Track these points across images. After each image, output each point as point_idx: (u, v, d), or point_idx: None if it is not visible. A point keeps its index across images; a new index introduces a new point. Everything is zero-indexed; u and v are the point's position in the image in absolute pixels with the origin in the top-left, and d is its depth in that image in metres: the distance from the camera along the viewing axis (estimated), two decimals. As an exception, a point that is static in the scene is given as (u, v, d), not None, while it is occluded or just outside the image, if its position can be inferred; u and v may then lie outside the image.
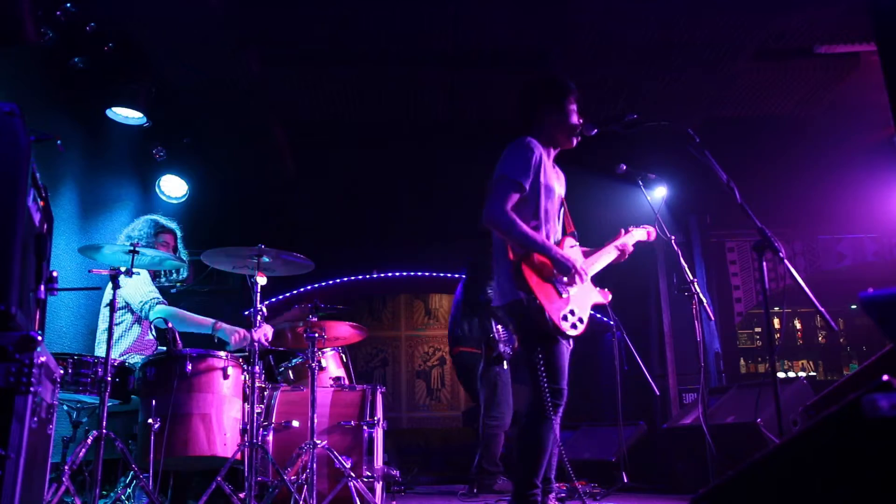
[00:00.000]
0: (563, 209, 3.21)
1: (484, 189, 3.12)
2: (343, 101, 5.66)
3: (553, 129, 3.14)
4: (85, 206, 4.70)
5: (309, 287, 7.70)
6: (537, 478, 2.88)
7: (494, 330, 5.07)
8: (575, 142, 3.19)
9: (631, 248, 3.33)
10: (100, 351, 3.78)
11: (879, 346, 2.79)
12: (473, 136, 6.09)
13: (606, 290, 3.19)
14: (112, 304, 3.09)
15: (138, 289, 3.86)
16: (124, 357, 3.77)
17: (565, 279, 2.96)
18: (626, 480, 4.73)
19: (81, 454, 2.86)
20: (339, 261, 7.63)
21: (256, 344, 3.35)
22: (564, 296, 2.93)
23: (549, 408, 2.86)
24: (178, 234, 4.24)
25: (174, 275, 4.35)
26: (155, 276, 4.20)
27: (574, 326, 2.91)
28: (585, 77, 5.24)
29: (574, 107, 3.17)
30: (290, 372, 4.40)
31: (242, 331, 3.77)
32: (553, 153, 3.19)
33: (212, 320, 3.83)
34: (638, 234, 3.43)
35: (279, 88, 5.45)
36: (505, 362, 5.09)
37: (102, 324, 3.88)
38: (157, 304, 3.87)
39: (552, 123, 3.14)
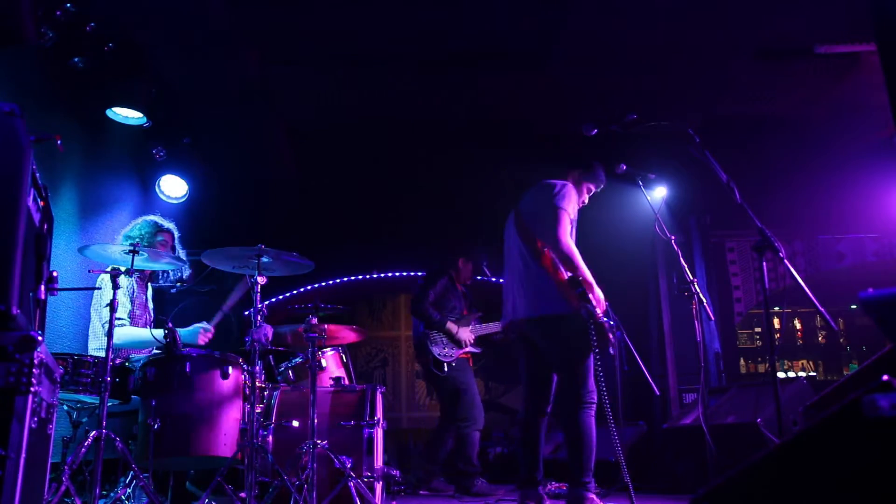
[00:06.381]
0: None
1: (484, 190, 3.14)
2: (343, 101, 5.65)
3: (572, 192, 3.75)
4: (85, 206, 4.69)
5: (309, 287, 7.70)
6: (591, 462, 3.57)
7: (430, 337, 5.08)
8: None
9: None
10: (92, 350, 3.78)
11: (879, 346, 2.79)
12: (474, 136, 6.08)
13: None
14: (112, 304, 3.09)
15: (99, 309, 3.80)
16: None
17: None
18: (626, 480, 4.72)
19: (81, 454, 2.86)
20: (339, 261, 7.62)
21: (256, 344, 3.35)
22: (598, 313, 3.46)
23: (588, 399, 3.63)
24: (176, 233, 4.21)
25: (174, 274, 4.33)
26: (151, 276, 4.18)
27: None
28: (586, 77, 5.24)
29: (590, 190, 3.85)
30: (290, 372, 4.40)
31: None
32: None
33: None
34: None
35: (279, 88, 5.44)
36: (445, 366, 5.08)
37: (96, 323, 3.84)
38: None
39: (572, 188, 3.71)
